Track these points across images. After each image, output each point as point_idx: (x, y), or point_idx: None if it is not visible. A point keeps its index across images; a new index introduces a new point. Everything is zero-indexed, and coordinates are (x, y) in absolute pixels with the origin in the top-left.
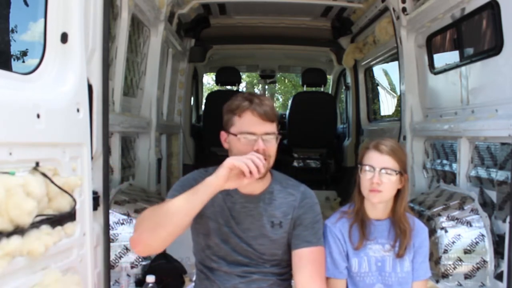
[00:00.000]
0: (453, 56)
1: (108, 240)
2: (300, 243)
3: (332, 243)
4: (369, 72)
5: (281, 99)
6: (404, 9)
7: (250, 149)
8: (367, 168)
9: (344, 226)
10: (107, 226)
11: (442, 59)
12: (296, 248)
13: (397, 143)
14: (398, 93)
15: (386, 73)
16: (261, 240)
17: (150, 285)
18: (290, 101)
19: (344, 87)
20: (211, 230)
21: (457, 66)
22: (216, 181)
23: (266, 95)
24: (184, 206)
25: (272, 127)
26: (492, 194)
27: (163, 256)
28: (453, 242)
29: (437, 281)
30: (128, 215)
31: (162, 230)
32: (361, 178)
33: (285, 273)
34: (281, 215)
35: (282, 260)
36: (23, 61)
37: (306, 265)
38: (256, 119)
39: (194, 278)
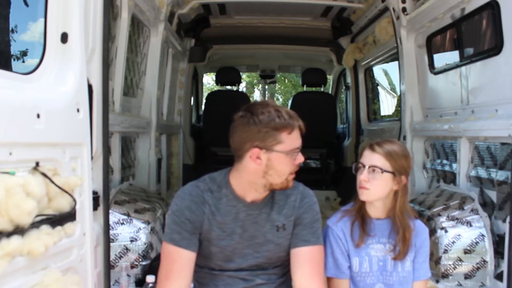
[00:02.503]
0: (453, 56)
1: (108, 240)
2: (299, 242)
3: (333, 243)
4: (369, 72)
5: (281, 99)
6: (404, 9)
7: (293, 164)
8: (358, 165)
9: (345, 225)
10: (107, 226)
11: (442, 59)
12: (294, 247)
13: (400, 146)
14: (398, 93)
15: (386, 73)
16: (266, 246)
17: (150, 285)
18: (290, 101)
19: (344, 87)
20: (213, 254)
21: (457, 66)
22: None
23: (266, 95)
24: None
25: None
26: (492, 194)
27: None
28: (453, 242)
29: (437, 281)
30: (128, 215)
31: None
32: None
33: (287, 272)
34: (283, 218)
35: (285, 261)
36: (23, 61)
37: (304, 264)
38: (299, 134)
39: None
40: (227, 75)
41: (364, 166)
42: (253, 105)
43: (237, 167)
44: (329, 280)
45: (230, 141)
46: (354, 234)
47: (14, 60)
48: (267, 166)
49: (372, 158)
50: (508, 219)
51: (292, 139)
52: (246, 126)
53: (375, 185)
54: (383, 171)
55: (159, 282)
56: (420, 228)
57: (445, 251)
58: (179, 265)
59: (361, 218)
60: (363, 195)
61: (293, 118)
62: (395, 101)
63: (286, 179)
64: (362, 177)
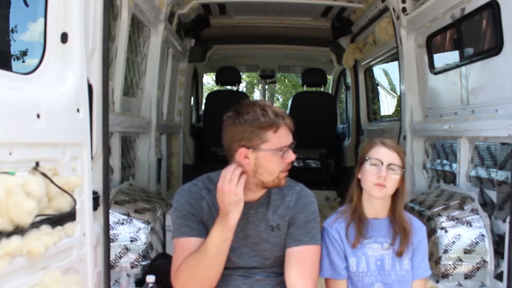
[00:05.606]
0: (453, 56)
1: (108, 240)
2: (292, 242)
3: (329, 244)
4: (369, 72)
5: (281, 99)
6: (404, 9)
7: (283, 162)
8: (374, 161)
9: (341, 226)
10: (107, 226)
11: (442, 59)
12: (287, 247)
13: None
14: (398, 93)
15: (386, 73)
16: (262, 246)
17: (150, 285)
18: (290, 101)
19: (344, 87)
20: None
21: (457, 66)
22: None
23: (266, 95)
24: (217, 260)
25: None
26: (492, 194)
27: (163, 256)
28: (453, 242)
29: (437, 281)
30: (128, 215)
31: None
32: (366, 171)
33: None
34: (278, 218)
35: (284, 261)
36: (23, 61)
37: (295, 264)
38: (288, 131)
39: None
40: (227, 75)
41: (382, 163)
42: (241, 105)
43: None
44: (326, 281)
45: (222, 141)
46: (350, 235)
47: (14, 60)
48: (255, 165)
49: (390, 156)
50: (508, 219)
51: (278, 138)
52: (232, 126)
53: (392, 182)
54: (401, 169)
55: (173, 275)
56: (417, 226)
57: (445, 251)
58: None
59: (358, 219)
60: (380, 192)
61: (279, 117)
62: (395, 101)
63: (277, 177)
64: (383, 174)
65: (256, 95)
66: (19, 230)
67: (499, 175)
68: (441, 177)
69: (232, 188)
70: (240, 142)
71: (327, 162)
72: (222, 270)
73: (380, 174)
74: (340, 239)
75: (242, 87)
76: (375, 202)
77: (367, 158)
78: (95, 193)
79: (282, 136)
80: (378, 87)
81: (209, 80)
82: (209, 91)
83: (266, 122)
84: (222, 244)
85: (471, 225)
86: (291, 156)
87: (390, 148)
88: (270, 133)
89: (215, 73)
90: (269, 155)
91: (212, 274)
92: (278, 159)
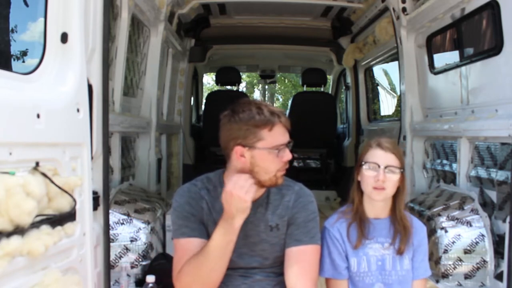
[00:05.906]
0: (453, 56)
1: (108, 240)
2: (291, 242)
3: (330, 244)
4: (369, 72)
5: (281, 99)
6: (404, 9)
7: (279, 160)
8: (371, 165)
9: (342, 226)
10: (107, 226)
11: (442, 59)
12: (287, 247)
13: (394, 141)
14: (398, 93)
15: (386, 73)
16: (261, 246)
17: (150, 285)
18: (290, 101)
19: (344, 87)
20: None
21: (457, 66)
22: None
23: (266, 95)
24: (220, 263)
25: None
26: (492, 194)
27: (163, 256)
28: (453, 242)
29: (437, 281)
30: (128, 215)
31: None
32: (364, 175)
33: None
34: (277, 218)
35: (283, 261)
36: (23, 61)
37: (294, 264)
38: (284, 130)
39: None
40: (227, 75)
41: (379, 167)
42: (237, 104)
43: (228, 166)
44: (327, 281)
45: (219, 140)
46: (351, 235)
47: (14, 60)
48: (251, 163)
49: (387, 157)
50: (508, 219)
51: (273, 136)
52: (228, 125)
53: (391, 184)
54: (400, 170)
55: (175, 277)
56: (417, 226)
57: (445, 251)
58: (192, 253)
59: (359, 219)
60: (380, 195)
61: (274, 115)
62: (395, 101)
63: (274, 175)
64: (380, 177)
65: (256, 95)
66: (19, 230)
67: (499, 175)
68: (441, 177)
69: (241, 195)
70: (236, 141)
71: (327, 162)
72: (224, 272)
73: (378, 177)
74: (342, 239)
75: (242, 87)
76: (376, 204)
77: (364, 162)
78: (95, 193)
79: (278, 135)
80: (378, 87)
81: (209, 80)
82: (209, 91)
83: (261, 120)
84: (226, 247)
85: (471, 225)
86: (287, 155)
87: (386, 150)
88: (265, 131)
89: (215, 73)
90: (264, 154)
91: (214, 276)
92: (274, 157)
